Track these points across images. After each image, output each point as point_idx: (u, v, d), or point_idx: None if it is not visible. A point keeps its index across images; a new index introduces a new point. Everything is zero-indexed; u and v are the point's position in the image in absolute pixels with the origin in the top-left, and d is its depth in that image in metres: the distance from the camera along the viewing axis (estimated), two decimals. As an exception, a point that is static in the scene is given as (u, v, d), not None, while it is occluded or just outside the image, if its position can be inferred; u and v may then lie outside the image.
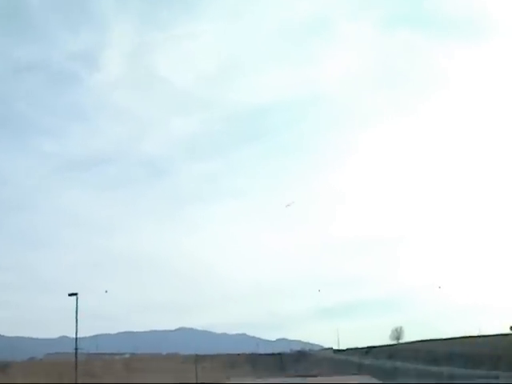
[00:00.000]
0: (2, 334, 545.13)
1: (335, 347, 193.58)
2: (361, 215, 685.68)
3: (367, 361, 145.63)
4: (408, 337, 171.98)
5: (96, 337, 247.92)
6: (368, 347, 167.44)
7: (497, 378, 79.15)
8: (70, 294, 52.55)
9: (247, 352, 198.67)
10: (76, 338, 53.59)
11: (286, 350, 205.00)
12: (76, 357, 57.97)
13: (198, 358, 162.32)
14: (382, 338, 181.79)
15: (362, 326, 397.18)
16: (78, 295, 52.12)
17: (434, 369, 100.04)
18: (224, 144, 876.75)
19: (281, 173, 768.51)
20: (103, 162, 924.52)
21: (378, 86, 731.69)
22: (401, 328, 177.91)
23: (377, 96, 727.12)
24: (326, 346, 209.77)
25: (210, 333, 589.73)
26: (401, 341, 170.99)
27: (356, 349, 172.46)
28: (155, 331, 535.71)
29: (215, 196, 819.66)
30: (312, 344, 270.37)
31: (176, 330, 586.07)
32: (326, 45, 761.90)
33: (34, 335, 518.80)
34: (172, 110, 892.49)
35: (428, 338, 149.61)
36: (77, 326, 52.52)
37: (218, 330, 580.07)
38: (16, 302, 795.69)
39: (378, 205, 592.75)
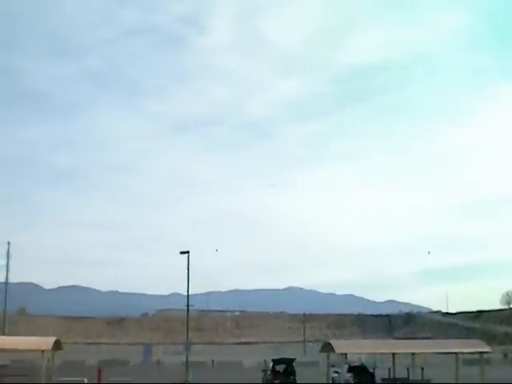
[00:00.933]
0: (117, 290, 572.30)
1: (444, 310, 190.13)
2: (484, 174, 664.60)
3: (477, 325, 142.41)
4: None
5: (207, 294, 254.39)
6: (478, 311, 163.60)
7: None
8: (182, 252, 53.80)
9: (355, 313, 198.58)
10: (188, 295, 55.05)
11: (394, 311, 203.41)
12: (188, 313, 59.73)
13: (305, 318, 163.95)
14: (493, 303, 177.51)
15: (471, 290, 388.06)
16: (190, 253, 53.34)
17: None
18: (328, 106, 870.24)
19: (387, 134, 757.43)
20: (208, 124, 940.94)
21: (487, 46, 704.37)
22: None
23: (485, 56, 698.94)
24: (435, 309, 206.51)
25: (318, 293, 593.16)
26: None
27: (465, 313, 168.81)
28: (264, 290, 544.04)
29: (320, 158, 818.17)
30: (420, 307, 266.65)
31: (284, 289, 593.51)
32: (432, 4, 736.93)
33: (147, 292, 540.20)
34: (277, 72, 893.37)
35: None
36: (188, 283, 53.91)
37: (326, 290, 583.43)
38: (130, 261, 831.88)
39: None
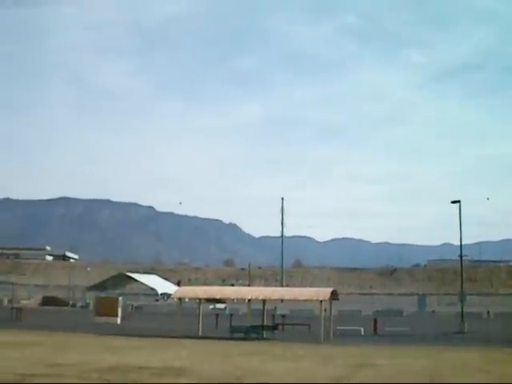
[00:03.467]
0: (388, 241, 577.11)
1: None
2: None
3: None
4: None
5: (479, 244, 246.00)
6: None
7: None
8: (453, 202, 52.43)
9: None
10: (460, 245, 53.65)
11: None
12: (461, 263, 58.24)
13: None
14: None
15: None
16: (461, 203, 51.76)
17: None
18: None
19: None
20: (469, 69, 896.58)
21: None
22: None
23: None
24: None
25: None
26: None
27: None
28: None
29: None
30: None
31: None
32: None
33: (418, 242, 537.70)
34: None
35: None
36: (460, 233, 52.48)
37: None
38: (400, 212, 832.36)
39: None
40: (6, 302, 76.30)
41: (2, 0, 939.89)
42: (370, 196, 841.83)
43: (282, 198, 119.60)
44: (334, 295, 41.68)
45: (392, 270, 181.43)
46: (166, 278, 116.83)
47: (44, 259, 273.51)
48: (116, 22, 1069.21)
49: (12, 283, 68.58)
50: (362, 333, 45.36)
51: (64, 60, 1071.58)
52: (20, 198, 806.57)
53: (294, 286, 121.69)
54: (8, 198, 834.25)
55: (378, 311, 74.42)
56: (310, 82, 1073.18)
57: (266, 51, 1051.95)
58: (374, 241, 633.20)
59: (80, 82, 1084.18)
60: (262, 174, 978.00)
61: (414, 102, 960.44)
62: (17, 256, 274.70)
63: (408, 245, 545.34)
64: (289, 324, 49.35)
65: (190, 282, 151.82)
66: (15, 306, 57.58)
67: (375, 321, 48.64)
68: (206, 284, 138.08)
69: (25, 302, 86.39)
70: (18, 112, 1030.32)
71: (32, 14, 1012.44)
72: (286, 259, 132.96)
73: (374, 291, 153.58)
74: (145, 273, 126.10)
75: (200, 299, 44.42)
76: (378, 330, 46.75)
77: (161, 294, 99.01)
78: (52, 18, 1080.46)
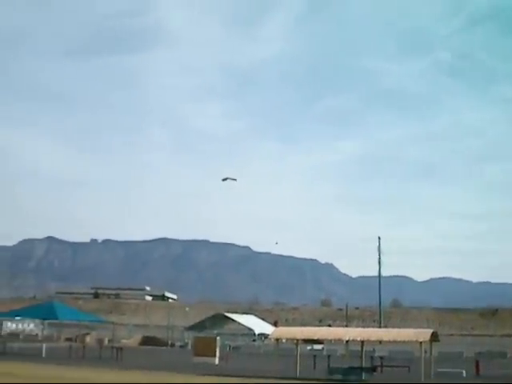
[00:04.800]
0: (490, 281, 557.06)
1: None
2: None
3: None
4: None
5: None
6: None
7: None
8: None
9: None
10: None
11: None
12: None
13: None
14: None
15: None
16: None
17: None
18: None
19: None
20: None
21: None
22: None
23: None
24: None
25: None
26: None
27: None
28: None
29: None
30: None
31: None
32: None
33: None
34: None
35: None
36: None
37: None
38: (501, 250, 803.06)
39: None
40: (106, 341, 78.38)
41: (101, 48, 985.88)
42: (470, 234, 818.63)
43: (379, 237, 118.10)
44: (435, 337, 40.61)
45: (494, 310, 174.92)
46: (262, 318, 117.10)
47: (144, 299, 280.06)
48: (210, 65, 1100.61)
49: (113, 323, 70.35)
50: (464, 375, 43.83)
51: (160, 103, 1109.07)
52: (120, 239, 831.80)
53: (392, 326, 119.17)
54: (109, 240, 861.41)
55: (479, 353, 71.72)
56: (404, 118, 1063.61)
57: (359, 89, 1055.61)
58: (474, 280, 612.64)
59: (176, 124, 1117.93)
60: (358, 213, 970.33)
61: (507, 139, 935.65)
62: (117, 296, 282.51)
63: (510, 284, 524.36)
64: (388, 366, 48.32)
65: (286, 323, 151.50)
66: (116, 345, 58.99)
67: (477, 363, 46.94)
68: (302, 324, 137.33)
69: (125, 341, 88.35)
70: (119, 155, 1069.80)
71: (129, 61, 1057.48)
72: (384, 299, 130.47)
73: (475, 332, 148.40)
74: (242, 313, 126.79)
75: (297, 340, 44.23)
76: (481, 372, 45.09)
77: (258, 335, 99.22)
78: (148, 63, 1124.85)
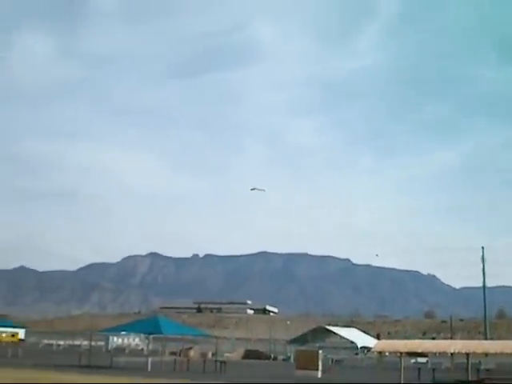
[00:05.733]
0: None
1: None
2: None
3: None
4: None
5: None
6: None
7: None
8: None
9: None
10: None
11: None
12: None
13: None
14: None
15: None
16: None
17: None
18: None
19: None
20: None
21: None
22: None
23: None
24: None
25: None
26: None
27: None
28: None
29: None
30: None
31: None
32: None
33: None
34: None
35: None
36: None
37: None
38: None
39: None
40: (210, 355, 79.55)
41: (206, 66, 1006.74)
42: None
43: (483, 247, 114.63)
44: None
45: None
46: (364, 331, 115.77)
47: (245, 313, 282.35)
48: (303, 78, 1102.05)
49: (215, 337, 71.45)
50: None
51: (254, 119, 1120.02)
52: (221, 254, 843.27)
53: (498, 338, 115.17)
54: (210, 254, 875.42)
55: None
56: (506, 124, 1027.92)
57: (456, 97, 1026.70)
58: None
59: (271, 138, 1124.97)
60: (460, 222, 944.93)
61: None
62: (219, 310, 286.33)
63: None
64: (495, 379, 46.78)
65: (389, 336, 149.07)
66: (219, 359, 59.87)
67: None
68: (405, 337, 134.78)
69: (228, 355, 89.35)
70: (216, 172, 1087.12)
71: (226, 78, 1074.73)
72: (489, 310, 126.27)
73: None
74: (343, 326, 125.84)
75: (401, 353, 43.56)
76: None
77: (360, 348, 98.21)
78: (241, 79, 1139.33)
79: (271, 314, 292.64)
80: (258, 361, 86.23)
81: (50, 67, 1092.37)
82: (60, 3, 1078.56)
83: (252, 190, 68.02)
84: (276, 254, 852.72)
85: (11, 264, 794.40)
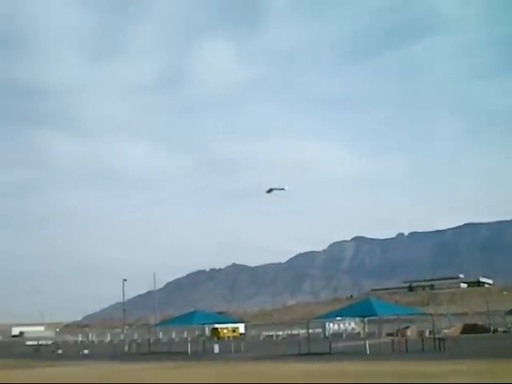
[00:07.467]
0: None
1: None
2: None
3: None
4: None
5: None
6: None
7: None
8: None
9: None
10: None
11: None
12: None
13: None
14: None
15: None
16: None
17: None
18: None
19: None
20: None
21: None
22: None
23: None
24: None
25: None
26: None
27: None
28: None
29: None
30: None
31: None
32: None
33: None
34: None
35: None
36: None
37: None
38: None
39: None
40: (427, 333, 79.27)
41: (376, 45, 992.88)
42: None
43: None
44: None
45: None
46: None
47: (459, 287, 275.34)
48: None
49: (431, 314, 71.18)
50: None
51: (443, 89, 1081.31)
52: (426, 230, 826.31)
53: None
54: (415, 232, 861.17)
55: None
56: None
57: None
58: None
59: (465, 108, 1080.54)
60: None
61: None
62: (432, 287, 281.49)
63: None
64: None
65: None
66: (437, 336, 59.70)
67: None
68: None
69: (446, 331, 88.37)
70: (407, 149, 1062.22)
71: (408, 53, 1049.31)
72: None
73: None
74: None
75: None
76: None
77: None
78: (423, 51, 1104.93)
79: (486, 285, 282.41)
80: (477, 335, 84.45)
81: (232, 71, 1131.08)
82: (237, 7, 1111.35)
83: (268, 192, 60.84)
84: (482, 223, 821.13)
85: (224, 263, 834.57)
